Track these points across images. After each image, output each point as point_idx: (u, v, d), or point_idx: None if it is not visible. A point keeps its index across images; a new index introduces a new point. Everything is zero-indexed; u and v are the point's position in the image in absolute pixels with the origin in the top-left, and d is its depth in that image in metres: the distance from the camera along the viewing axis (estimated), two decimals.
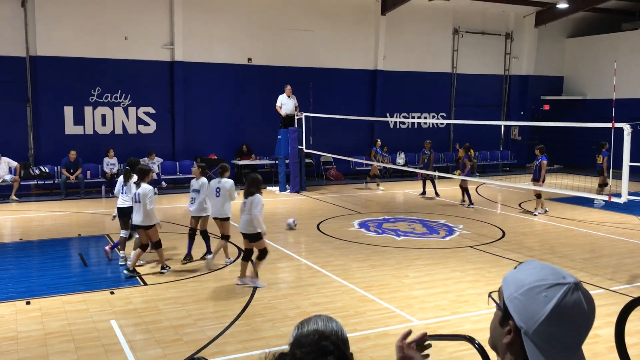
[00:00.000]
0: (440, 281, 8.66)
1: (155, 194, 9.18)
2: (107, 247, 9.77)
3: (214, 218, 9.37)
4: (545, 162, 13.66)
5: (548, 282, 1.56)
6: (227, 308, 7.41)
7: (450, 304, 7.64)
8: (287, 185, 17.33)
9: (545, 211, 14.04)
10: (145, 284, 8.39)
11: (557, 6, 20.31)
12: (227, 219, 9.28)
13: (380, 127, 21.43)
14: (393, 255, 10.14)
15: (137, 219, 8.71)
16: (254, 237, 8.21)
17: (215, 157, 18.65)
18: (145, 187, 8.65)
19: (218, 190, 9.25)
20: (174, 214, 13.96)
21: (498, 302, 1.67)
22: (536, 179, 13.71)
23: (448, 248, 10.71)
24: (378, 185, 18.29)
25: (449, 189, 18.01)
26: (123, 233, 9.61)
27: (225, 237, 9.30)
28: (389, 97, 21.47)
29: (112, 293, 7.94)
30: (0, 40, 16.11)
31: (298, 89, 17.82)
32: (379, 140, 18.41)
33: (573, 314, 1.54)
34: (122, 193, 9.52)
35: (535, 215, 13.80)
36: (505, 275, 1.68)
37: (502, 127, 23.88)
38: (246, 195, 8.11)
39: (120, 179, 9.60)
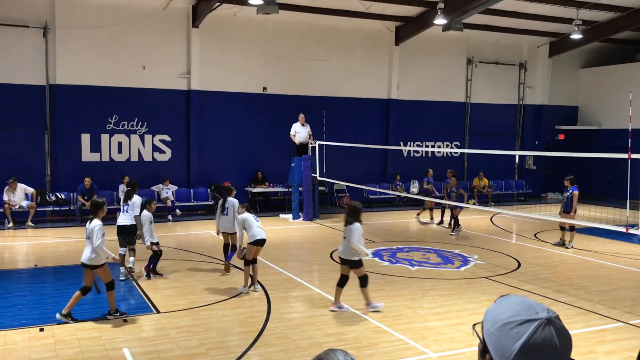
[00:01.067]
0: (455, 312, 8.55)
1: (151, 222, 10.09)
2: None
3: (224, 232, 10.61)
4: (576, 192, 13.14)
5: (520, 318, 1.60)
6: (240, 338, 7.36)
7: (465, 337, 7.52)
8: (300, 213, 17.34)
9: (562, 243, 13.80)
10: (158, 311, 8.38)
11: (571, 37, 20.39)
12: (235, 233, 10.27)
13: (393, 156, 21.47)
14: (407, 285, 10.05)
15: (84, 256, 7.94)
16: (354, 264, 8.40)
17: (229, 185, 18.73)
18: (95, 222, 7.91)
19: (226, 209, 10.45)
20: (187, 241, 14.01)
21: (479, 335, 1.72)
22: (567, 211, 13.19)
23: (463, 279, 10.60)
24: (432, 218, 17.40)
25: (462, 218, 17.88)
26: (121, 250, 10.27)
27: (233, 247, 10.34)
28: (403, 126, 21.55)
29: (125, 321, 7.92)
30: (22, 69, 16.47)
31: (312, 117, 17.97)
32: (430, 170, 18.07)
33: (543, 350, 1.56)
34: (123, 212, 10.32)
35: (568, 248, 13.47)
36: (486, 310, 1.73)
37: (517, 156, 23.80)
38: (346, 223, 8.48)
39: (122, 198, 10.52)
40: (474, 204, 19.75)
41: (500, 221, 17.66)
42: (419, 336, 7.51)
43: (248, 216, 9.59)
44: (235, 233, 10.37)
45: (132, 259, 10.47)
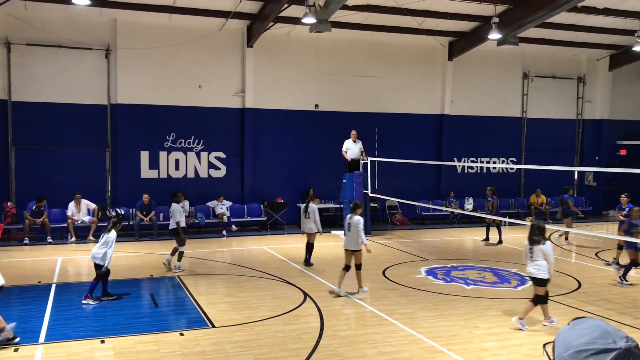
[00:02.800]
0: (513, 333, 8.31)
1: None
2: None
3: (347, 250, 10.60)
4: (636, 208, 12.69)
5: (596, 346, 1.50)
6: (294, 354, 7.38)
7: (524, 358, 7.30)
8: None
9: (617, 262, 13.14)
10: (213, 326, 8.51)
11: (633, 49, 19.69)
12: (359, 250, 10.50)
13: (447, 172, 21.20)
14: (462, 304, 9.85)
15: (100, 261, 9.61)
16: (541, 282, 8.44)
17: (282, 201, 18.95)
18: (113, 234, 9.79)
19: (349, 225, 10.55)
20: (241, 256, 14.19)
21: (550, 356, 1.64)
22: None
23: (520, 298, 10.29)
24: (566, 238, 16.90)
25: (519, 235, 17.42)
26: (182, 248, 12.10)
27: (357, 266, 10.55)
28: (457, 142, 21.28)
29: (181, 334, 8.08)
30: (85, 89, 17.22)
31: (364, 133, 17.98)
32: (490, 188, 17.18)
33: None
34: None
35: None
36: (558, 331, 1.64)
37: (576, 172, 23.06)
38: (531, 243, 8.42)
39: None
40: (530, 221, 19.27)
41: (559, 239, 17.09)
42: (475, 357, 7.34)
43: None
44: (315, 233, 12.74)
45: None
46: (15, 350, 7.36)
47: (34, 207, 15.89)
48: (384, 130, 19.25)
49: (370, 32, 19.14)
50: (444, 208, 19.51)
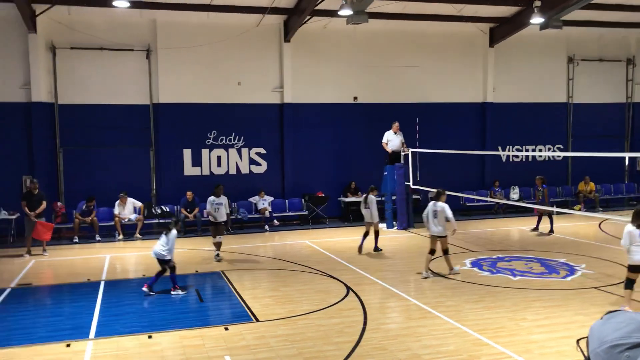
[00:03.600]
0: (562, 325, 8.08)
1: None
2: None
3: (433, 235, 11.17)
4: None
5: (632, 340, 1.43)
6: (337, 348, 7.35)
7: (574, 350, 7.07)
8: (394, 222, 17.16)
9: None
10: (257, 320, 8.57)
11: None
12: (445, 236, 11.10)
13: (491, 161, 20.77)
14: (509, 296, 9.63)
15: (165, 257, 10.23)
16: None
17: (323, 195, 18.94)
18: (173, 232, 10.40)
19: (435, 212, 11.02)
20: (284, 250, 14.25)
21: (584, 352, 1.56)
22: None
23: (570, 289, 10.01)
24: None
25: (568, 224, 17.00)
26: (219, 238, 12.98)
27: (444, 251, 11.16)
28: (500, 130, 20.81)
29: (226, 329, 8.16)
30: (128, 90, 17.59)
31: (404, 124, 17.78)
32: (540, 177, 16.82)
33: None
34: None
35: None
36: (592, 325, 1.55)
37: (627, 158, 22.22)
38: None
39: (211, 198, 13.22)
40: (579, 209, 18.73)
41: (610, 228, 16.53)
42: (523, 349, 7.16)
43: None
44: (372, 223, 13.48)
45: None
46: (68, 345, 7.58)
47: (83, 206, 16.35)
48: (424, 121, 18.98)
49: (408, 22, 18.88)
50: (488, 198, 19.14)
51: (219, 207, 13.14)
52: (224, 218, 13.30)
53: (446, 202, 11.31)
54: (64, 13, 16.50)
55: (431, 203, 11.25)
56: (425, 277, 10.96)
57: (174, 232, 10.34)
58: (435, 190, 11.78)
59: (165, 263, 10.28)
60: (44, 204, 14.22)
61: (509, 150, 21.07)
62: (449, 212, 10.92)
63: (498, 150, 20.66)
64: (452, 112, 20.32)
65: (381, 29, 19.05)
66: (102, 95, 17.32)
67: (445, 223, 10.98)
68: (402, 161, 17.13)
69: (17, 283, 11.29)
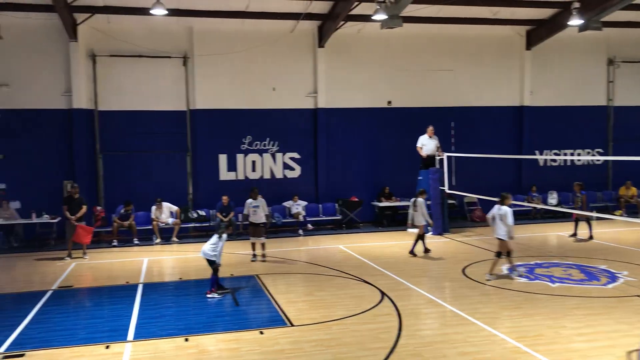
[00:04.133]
0: (604, 334, 7.87)
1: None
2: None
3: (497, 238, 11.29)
4: None
5: None
6: (372, 353, 7.32)
7: None
8: (429, 227, 16.99)
9: None
10: (292, 325, 8.59)
11: None
12: (505, 240, 11.12)
13: (528, 166, 20.42)
14: (548, 303, 9.43)
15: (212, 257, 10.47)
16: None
17: (357, 199, 18.90)
18: (224, 236, 10.60)
19: (500, 216, 11.14)
20: (318, 255, 14.25)
21: None
22: None
23: (611, 297, 9.74)
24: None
25: (608, 230, 16.57)
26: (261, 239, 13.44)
27: (498, 254, 11.26)
28: (538, 134, 20.45)
29: (261, 333, 8.21)
30: (165, 96, 17.91)
31: (439, 128, 17.61)
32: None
33: None
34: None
35: None
36: None
37: None
38: None
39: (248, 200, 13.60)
40: (620, 214, 18.25)
41: None
42: (563, 358, 7.01)
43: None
44: (422, 225, 13.88)
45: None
46: (107, 347, 7.74)
47: (122, 210, 16.69)
48: (460, 125, 18.81)
49: (443, 25, 18.75)
50: (525, 203, 18.81)
51: (256, 209, 13.54)
52: (263, 220, 13.65)
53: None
54: (103, 22, 16.92)
55: (496, 206, 11.34)
56: (488, 280, 11.09)
57: (224, 235, 10.60)
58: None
59: (211, 264, 10.48)
60: (84, 208, 14.57)
61: (546, 154, 20.69)
62: (510, 218, 10.96)
63: (535, 154, 20.31)
64: (488, 115, 20.07)
65: (415, 32, 18.95)
66: (140, 102, 17.69)
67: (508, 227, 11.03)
68: (437, 165, 16.97)
69: (58, 285, 11.59)
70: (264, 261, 13.45)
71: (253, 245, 13.74)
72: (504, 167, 19.76)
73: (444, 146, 17.39)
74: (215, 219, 17.41)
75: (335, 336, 8.04)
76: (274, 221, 17.73)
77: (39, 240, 16.55)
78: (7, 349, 7.77)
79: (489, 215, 11.52)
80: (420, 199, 13.96)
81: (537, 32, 19.68)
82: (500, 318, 8.70)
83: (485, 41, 19.90)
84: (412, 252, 13.77)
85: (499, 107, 20.27)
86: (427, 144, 17.03)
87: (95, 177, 17.61)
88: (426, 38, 19.41)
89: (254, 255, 13.70)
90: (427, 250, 13.89)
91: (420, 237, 13.87)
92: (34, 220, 16.27)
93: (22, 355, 7.50)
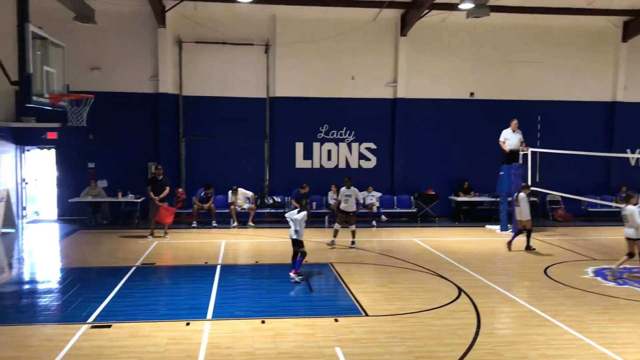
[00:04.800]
0: None
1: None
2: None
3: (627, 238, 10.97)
4: None
5: None
6: (449, 349, 7.15)
7: None
8: (508, 225, 16.44)
9: None
10: (366, 314, 8.54)
11: None
12: (635, 239, 10.80)
13: (618, 165, 19.33)
14: (637, 309, 8.89)
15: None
16: None
17: (433, 193, 18.56)
18: (301, 214, 10.74)
19: (625, 216, 10.90)
20: (391, 247, 14.11)
21: None
22: None
23: None
24: None
25: None
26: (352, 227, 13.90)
27: (630, 254, 10.93)
28: (630, 132, 19.30)
29: (336, 320, 8.21)
30: (246, 83, 18.22)
31: (524, 123, 16.93)
32: None
33: None
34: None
35: None
36: None
37: None
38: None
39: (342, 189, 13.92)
40: None
41: None
42: None
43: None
44: (522, 221, 13.60)
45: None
46: (187, 324, 7.98)
47: (202, 193, 17.19)
48: (546, 119, 18.05)
49: (532, 15, 18.01)
50: (614, 204, 17.80)
51: (348, 198, 13.85)
52: (354, 208, 13.97)
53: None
54: (190, 8, 17.38)
55: (623, 206, 11.11)
56: (612, 277, 10.94)
57: (301, 214, 10.71)
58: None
59: (295, 244, 10.65)
60: (168, 189, 15.09)
61: (639, 153, 19.51)
62: (636, 217, 10.61)
63: (626, 152, 19.20)
64: (577, 110, 19.14)
65: (502, 22, 18.30)
66: (222, 88, 18.09)
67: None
68: (521, 161, 16.35)
69: (141, 262, 12.09)
70: (352, 248, 13.66)
71: (335, 232, 14.04)
72: (591, 165, 18.80)
73: (528, 141, 16.71)
74: (290, 205, 17.60)
75: (410, 329, 7.91)
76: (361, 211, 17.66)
77: (124, 218, 17.34)
78: (95, 320, 8.16)
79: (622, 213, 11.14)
80: (522, 194, 13.76)
81: (636, 23, 18.51)
82: (586, 322, 8.27)
83: (576, 32, 18.94)
84: (528, 247, 13.61)
85: (589, 102, 19.29)
86: (510, 138, 16.43)
87: (178, 159, 18.20)
88: (513, 28, 18.70)
89: (333, 242, 13.97)
90: (529, 248, 13.61)
91: (527, 232, 13.66)
92: (120, 199, 17.05)
93: (109, 327, 7.86)
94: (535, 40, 18.89)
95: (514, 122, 16.42)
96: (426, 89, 18.75)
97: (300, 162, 18.66)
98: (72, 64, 12.50)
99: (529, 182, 16.08)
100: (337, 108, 18.56)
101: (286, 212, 11.05)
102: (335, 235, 14.03)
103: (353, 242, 13.92)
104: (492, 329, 8.03)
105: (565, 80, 19.08)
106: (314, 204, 17.86)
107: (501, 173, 16.55)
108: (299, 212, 10.70)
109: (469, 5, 14.52)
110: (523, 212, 13.62)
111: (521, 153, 16.40)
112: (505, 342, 7.48)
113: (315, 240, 14.49)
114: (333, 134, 18.74)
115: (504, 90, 18.87)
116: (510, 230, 16.30)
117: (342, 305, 9.18)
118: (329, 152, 18.78)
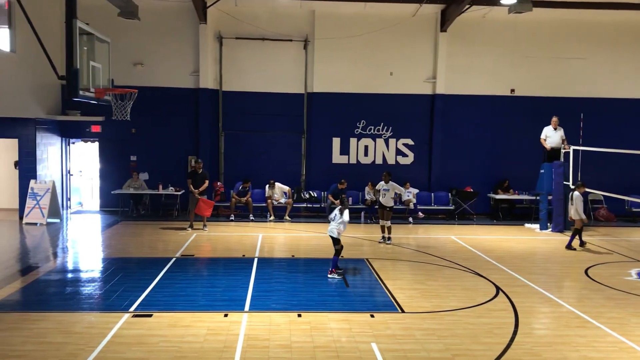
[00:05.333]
0: None
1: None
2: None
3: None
4: None
5: None
6: (487, 348, 7.09)
7: None
8: (548, 224, 16.15)
9: None
10: (402, 311, 8.54)
11: None
12: None
13: None
14: None
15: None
16: None
17: (471, 190, 18.35)
18: (342, 214, 10.71)
19: None
20: (428, 244, 14.03)
21: None
22: None
23: None
24: None
25: None
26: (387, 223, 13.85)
27: None
28: None
29: (372, 316, 8.23)
30: (285, 79, 18.33)
31: (566, 120, 16.57)
32: None
33: None
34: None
35: None
36: None
37: None
38: None
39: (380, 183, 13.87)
40: None
41: None
42: None
43: None
44: (578, 220, 13.60)
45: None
46: (225, 315, 8.12)
47: (239, 187, 17.41)
48: (589, 117, 17.53)
49: (577, 10, 17.59)
50: None
51: (385, 192, 13.79)
52: (391, 204, 13.87)
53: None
54: (231, 4, 17.57)
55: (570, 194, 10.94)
56: None
57: (346, 212, 10.73)
58: None
59: (334, 242, 10.70)
60: (207, 182, 15.33)
61: None
62: None
63: None
64: (622, 108, 18.63)
65: (545, 18, 17.93)
66: (261, 83, 18.25)
67: None
68: (562, 159, 16.02)
69: (181, 253, 12.33)
70: (388, 244, 13.64)
71: (382, 227, 14.02)
72: (636, 163, 18.20)
73: (571, 139, 16.37)
74: (327, 200, 17.67)
75: (447, 327, 7.88)
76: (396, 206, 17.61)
77: (164, 210, 17.70)
78: (136, 309, 8.38)
79: None
80: (576, 193, 13.71)
81: None
82: (629, 325, 8.09)
83: (621, 27, 18.42)
84: (569, 247, 13.53)
85: (634, 99, 18.72)
86: (551, 135, 16.12)
87: (217, 153, 18.46)
88: (556, 24, 18.29)
89: (383, 238, 13.97)
90: (570, 247, 13.55)
91: (578, 231, 13.62)
92: (160, 191, 17.40)
93: (150, 316, 8.06)
94: (578, 35, 18.44)
95: (555, 120, 16.11)
96: (466, 85, 18.53)
97: (337, 158, 18.68)
98: (115, 59, 12.82)
99: (570, 181, 15.76)
100: (375, 104, 18.51)
101: (330, 216, 10.96)
102: (383, 231, 14.02)
103: (384, 238, 13.89)
104: (531, 328, 7.92)
105: (609, 76, 18.58)
106: (350, 199, 17.86)
107: (542, 171, 16.27)
108: (341, 211, 10.68)
109: (511, 1, 14.26)
110: (577, 210, 13.59)
111: (563, 151, 16.07)
112: (545, 342, 7.38)
113: (351, 235, 14.51)
114: (370, 129, 18.70)
115: (545, 87, 18.50)
116: (550, 229, 16.02)
117: (378, 301, 9.19)
118: (366, 147, 18.75)
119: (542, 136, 16.21)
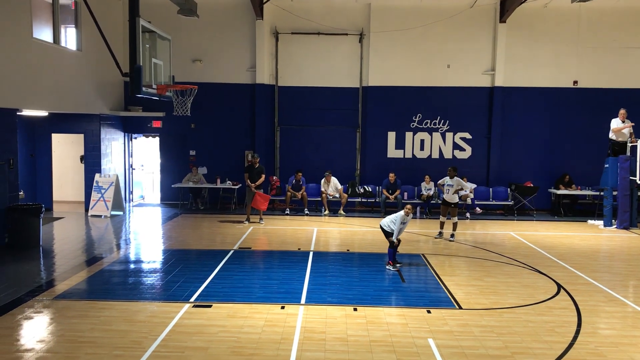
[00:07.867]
0: None
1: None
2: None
3: None
4: None
5: None
6: (548, 346, 6.92)
7: None
8: (613, 220, 15.55)
9: None
10: (460, 307, 8.42)
11: None
12: None
13: None
14: None
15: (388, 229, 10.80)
16: None
17: (531, 185, 17.86)
18: (401, 213, 10.70)
19: None
20: (485, 240, 13.76)
21: None
22: None
23: None
24: None
25: None
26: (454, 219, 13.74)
27: None
28: None
29: (429, 312, 8.16)
30: (340, 73, 18.33)
31: (634, 113, 15.89)
32: None
33: None
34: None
35: None
36: None
37: None
38: None
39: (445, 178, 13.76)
40: None
41: None
42: None
43: None
44: None
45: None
46: (282, 307, 8.24)
47: (293, 180, 17.56)
48: None
49: None
50: None
51: (449, 188, 13.63)
52: (455, 200, 13.67)
53: None
54: (287, 0, 17.70)
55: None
56: None
57: (410, 216, 10.78)
58: None
59: (387, 236, 10.76)
60: (263, 176, 15.54)
61: None
62: None
63: None
64: None
65: (611, 7, 17.22)
66: (316, 78, 18.31)
67: None
68: (629, 153, 15.37)
69: (238, 246, 12.56)
70: (451, 241, 13.44)
71: (442, 223, 13.92)
72: None
73: (638, 132, 15.68)
74: (381, 195, 17.60)
75: (506, 324, 7.72)
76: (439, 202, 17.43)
77: (222, 203, 18.07)
78: (196, 299, 8.61)
79: None
80: None
81: None
82: None
83: None
84: None
85: None
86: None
87: (273, 148, 18.68)
88: (623, 12, 17.53)
89: (440, 233, 13.86)
90: None
91: None
92: (218, 185, 17.77)
93: (209, 306, 8.27)
94: None
95: (622, 112, 15.46)
96: (526, 77, 18.03)
97: (392, 152, 18.56)
98: (175, 56, 13.15)
99: (637, 176, 15.12)
100: (431, 97, 18.27)
101: (391, 220, 10.85)
102: (442, 227, 13.90)
103: (452, 235, 13.69)
104: (595, 328, 7.67)
105: None
106: (405, 194, 17.73)
107: (606, 166, 15.67)
108: (406, 215, 10.69)
109: None
110: None
111: (630, 145, 15.42)
112: (609, 342, 7.13)
113: (407, 231, 14.38)
114: (426, 123, 18.47)
115: (610, 78, 17.77)
116: (615, 226, 15.42)
117: (434, 297, 9.09)
118: (422, 141, 18.55)
119: (614, 126, 15.53)
